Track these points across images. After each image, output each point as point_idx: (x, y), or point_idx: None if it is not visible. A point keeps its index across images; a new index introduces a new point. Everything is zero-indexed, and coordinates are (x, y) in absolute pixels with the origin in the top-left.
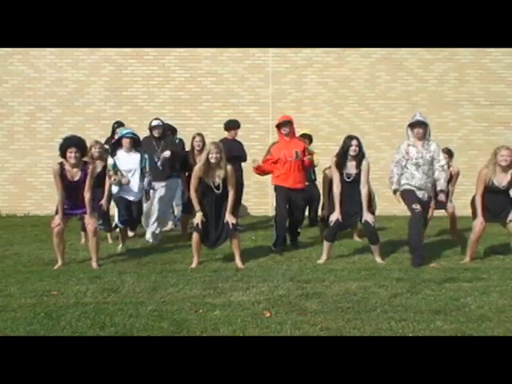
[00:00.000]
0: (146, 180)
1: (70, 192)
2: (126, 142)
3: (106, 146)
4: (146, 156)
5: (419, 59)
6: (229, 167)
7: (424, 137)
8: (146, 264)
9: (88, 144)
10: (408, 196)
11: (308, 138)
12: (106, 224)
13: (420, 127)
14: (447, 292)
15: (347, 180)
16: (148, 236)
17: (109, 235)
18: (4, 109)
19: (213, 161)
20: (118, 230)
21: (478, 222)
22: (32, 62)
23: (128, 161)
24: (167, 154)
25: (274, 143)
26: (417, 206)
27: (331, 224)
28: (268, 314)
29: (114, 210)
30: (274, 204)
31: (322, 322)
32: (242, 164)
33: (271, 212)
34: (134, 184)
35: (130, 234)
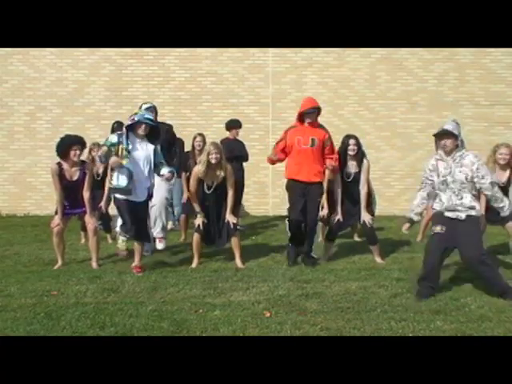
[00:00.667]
0: (167, 171)
1: (69, 192)
2: (142, 128)
3: None
4: (159, 148)
5: (419, 59)
6: (229, 167)
7: (452, 151)
8: (145, 264)
9: (87, 146)
10: (434, 219)
11: None
12: (104, 225)
13: (447, 138)
14: (447, 292)
15: (347, 180)
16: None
17: (108, 235)
18: (4, 109)
19: (213, 161)
20: (117, 230)
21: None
22: (32, 61)
23: (138, 149)
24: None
25: (291, 127)
26: (436, 227)
27: (332, 224)
28: (268, 314)
29: (113, 211)
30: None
31: (322, 322)
32: (244, 164)
33: (271, 212)
34: (142, 180)
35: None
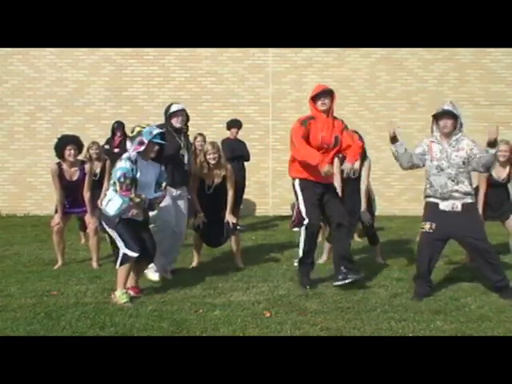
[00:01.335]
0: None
1: (69, 192)
2: (152, 149)
3: (107, 147)
4: (164, 169)
5: (419, 59)
6: (229, 166)
7: (452, 132)
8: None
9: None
10: (426, 211)
11: None
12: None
13: (448, 118)
14: (447, 292)
15: (353, 176)
16: (150, 274)
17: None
18: (4, 109)
19: (211, 161)
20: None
21: None
22: (32, 61)
23: (145, 172)
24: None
25: (309, 118)
26: (426, 225)
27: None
28: (268, 314)
29: None
30: (302, 210)
31: (322, 322)
32: (245, 164)
33: (271, 212)
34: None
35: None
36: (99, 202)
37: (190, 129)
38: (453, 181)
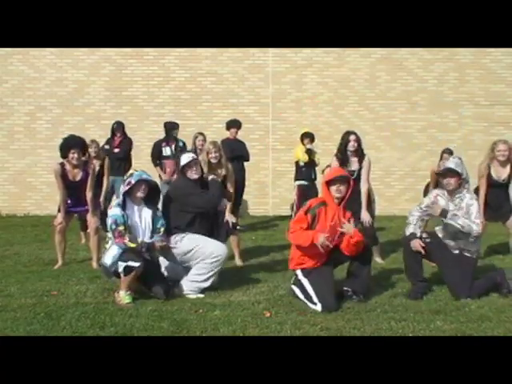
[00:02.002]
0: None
1: (72, 192)
2: (141, 188)
3: (107, 147)
4: (160, 214)
5: (419, 59)
6: (229, 165)
7: (456, 189)
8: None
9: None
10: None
11: (310, 137)
12: (103, 223)
13: (451, 176)
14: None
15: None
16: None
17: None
18: (4, 109)
19: (213, 160)
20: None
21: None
22: (32, 61)
23: (137, 217)
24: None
25: (320, 203)
26: (407, 229)
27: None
28: (268, 314)
29: None
30: (312, 295)
31: (322, 322)
32: (244, 164)
33: (271, 212)
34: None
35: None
36: (101, 200)
37: (189, 129)
38: (455, 232)
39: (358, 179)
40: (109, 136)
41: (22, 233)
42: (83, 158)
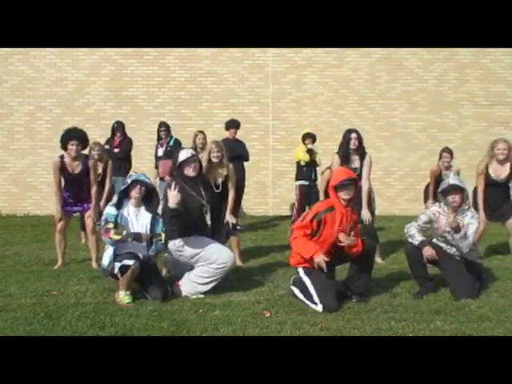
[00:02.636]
0: (153, 247)
1: (71, 185)
2: (136, 189)
3: (107, 147)
4: (160, 219)
5: (419, 59)
6: (230, 165)
7: (459, 207)
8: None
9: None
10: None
11: (312, 137)
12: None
13: (456, 193)
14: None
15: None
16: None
17: None
18: (4, 109)
19: (215, 160)
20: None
21: (480, 220)
22: (32, 62)
23: (134, 220)
24: None
25: (327, 208)
26: (413, 240)
27: None
28: (268, 314)
29: None
30: (313, 294)
31: (322, 322)
32: (244, 164)
33: (271, 212)
34: (141, 247)
35: None
36: (101, 203)
37: (189, 129)
38: (456, 248)
39: (359, 177)
40: (109, 136)
41: (22, 233)
42: (84, 152)
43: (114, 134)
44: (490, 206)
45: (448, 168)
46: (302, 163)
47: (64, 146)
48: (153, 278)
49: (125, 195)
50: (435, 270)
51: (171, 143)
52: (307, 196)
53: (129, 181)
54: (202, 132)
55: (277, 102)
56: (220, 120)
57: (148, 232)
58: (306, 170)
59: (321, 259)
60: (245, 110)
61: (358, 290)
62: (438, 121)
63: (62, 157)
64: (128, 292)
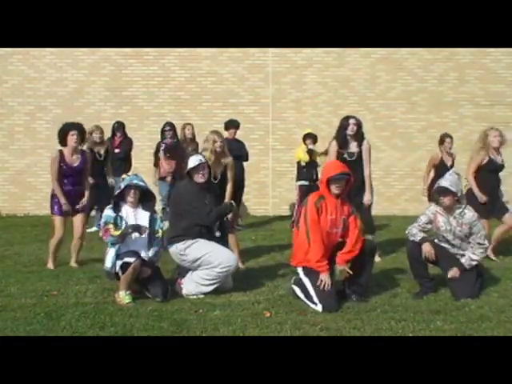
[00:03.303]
0: (152, 250)
1: (69, 179)
2: (131, 193)
3: None
4: (158, 216)
5: (419, 59)
6: (230, 157)
7: (451, 207)
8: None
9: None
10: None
11: (313, 137)
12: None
13: (444, 196)
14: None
15: (349, 159)
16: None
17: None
18: (4, 109)
19: (218, 149)
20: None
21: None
22: (32, 62)
23: (132, 220)
24: None
25: (320, 197)
26: (414, 238)
27: None
28: (268, 314)
29: None
30: (312, 295)
31: (322, 322)
32: (244, 164)
33: (271, 212)
34: (142, 245)
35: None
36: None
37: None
38: (458, 248)
39: (357, 162)
40: (109, 136)
41: (22, 233)
42: (83, 147)
43: (114, 134)
44: (490, 201)
45: (450, 154)
46: (303, 163)
47: (63, 139)
48: (153, 276)
49: (120, 198)
50: (436, 270)
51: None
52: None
53: (122, 186)
54: (189, 124)
55: (277, 102)
56: (220, 120)
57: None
58: (307, 171)
59: (326, 278)
60: (245, 110)
61: (358, 289)
62: (438, 121)
63: (60, 151)
64: (128, 292)
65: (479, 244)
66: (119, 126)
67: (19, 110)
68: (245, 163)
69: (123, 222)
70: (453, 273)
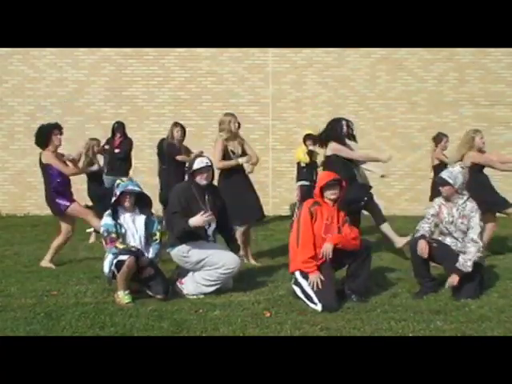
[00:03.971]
0: (151, 251)
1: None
2: (126, 199)
3: (107, 147)
4: (155, 218)
5: (419, 59)
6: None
7: (451, 197)
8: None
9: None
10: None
11: (313, 138)
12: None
13: (442, 186)
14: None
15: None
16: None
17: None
18: (4, 109)
19: (234, 129)
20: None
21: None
22: (32, 62)
23: (130, 223)
24: None
25: (314, 202)
26: (417, 234)
27: None
28: (268, 314)
29: None
30: (311, 295)
31: (322, 322)
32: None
33: (271, 212)
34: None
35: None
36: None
37: (189, 129)
38: (460, 242)
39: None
40: (109, 136)
41: (22, 233)
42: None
43: (114, 134)
44: (492, 189)
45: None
46: (303, 164)
47: (47, 139)
48: (155, 274)
49: (117, 204)
50: (436, 270)
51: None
52: (309, 196)
53: (117, 192)
54: (178, 124)
55: (277, 101)
56: None
57: (143, 232)
58: (307, 171)
59: (315, 278)
60: (245, 110)
61: (358, 288)
62: (438, 121)
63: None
64: (127, 292)
65: (473, 241)
66: (119, 126)
67: (19, 110)
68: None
69: (122, 230)
70: (451, 280)
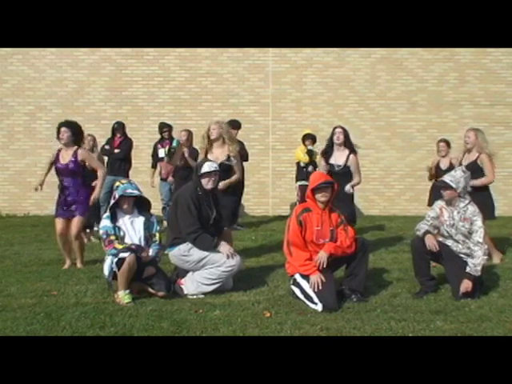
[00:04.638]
0: (152, 250)
1: (60, 178)
2: (126, 203)
3: (107, 147)
4: (154, 220)
5: (419, 59)
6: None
7: (452, 200)
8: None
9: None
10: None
11: (312, 138)
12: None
13: (444, 189)
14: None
15: (335, 170)
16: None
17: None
18: (4, 109)
19: (212, 136)
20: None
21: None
22: (32, 62)
23: (129, 225)
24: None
25: (304, 209)
26: (419, 233)
27: None
28: (268, 314)
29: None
30: (311, 295)
31: (322, 322)
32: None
33: (271, 212)
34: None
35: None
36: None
37: (189, 129)
38: (462, 245)
39: (343, 175)
40: (109, 136)
41: (22, 233)
42: (86, 148)
43: (114, 134)
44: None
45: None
46: (302, 164)
47: (57, 136)
48: (156, 273)
49: (116, 206)
50: (437, 270)
51: (174, 144)
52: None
53: (116, 195)
54: (186, 130)
55: (277, 102)
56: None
57: (143, 233)
58: (306, 171)
59: (316, 278)
60: (245, 110)
61: (357, 287)
62: (438, 121)
63: (59, 150)
64: (127, 291)
65: (478, 243)
66: (119, 127)
67: (19, 110)
68: (245, 163)
69: (121, 232)
70: (466, 286)
